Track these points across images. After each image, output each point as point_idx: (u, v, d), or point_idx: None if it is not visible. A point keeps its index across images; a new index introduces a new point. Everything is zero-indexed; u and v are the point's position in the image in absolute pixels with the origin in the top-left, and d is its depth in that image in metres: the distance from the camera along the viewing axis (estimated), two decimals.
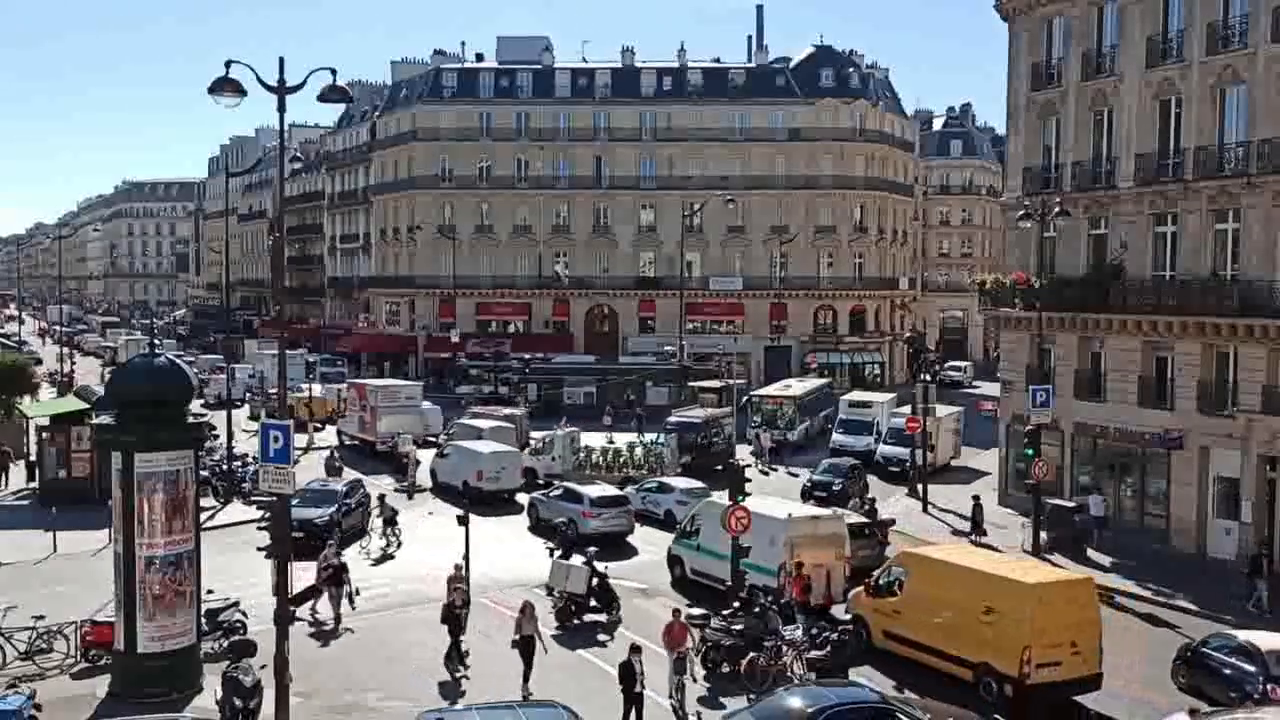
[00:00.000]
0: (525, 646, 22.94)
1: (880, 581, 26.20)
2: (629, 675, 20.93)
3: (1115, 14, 37.83)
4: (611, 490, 38.46)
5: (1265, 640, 22.97)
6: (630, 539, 36.34)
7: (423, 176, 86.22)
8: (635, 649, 21.35)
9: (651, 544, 35.62)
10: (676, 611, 23.51)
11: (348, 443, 54.47)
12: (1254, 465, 33.10)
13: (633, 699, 20.91)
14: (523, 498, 41.50)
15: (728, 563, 27.78)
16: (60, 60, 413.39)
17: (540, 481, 43.81)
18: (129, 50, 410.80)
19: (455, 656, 24.21)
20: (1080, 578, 25.39)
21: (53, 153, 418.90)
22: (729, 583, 27.66)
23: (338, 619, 27.33)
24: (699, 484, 40.04)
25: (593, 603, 27.76)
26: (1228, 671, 22.49)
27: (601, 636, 26.67)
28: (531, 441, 48.02)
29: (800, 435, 56.24)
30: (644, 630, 25.53)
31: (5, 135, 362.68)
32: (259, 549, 31.87)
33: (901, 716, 18.89)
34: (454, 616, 24.52)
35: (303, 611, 27.26)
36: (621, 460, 46.80)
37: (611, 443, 48.95)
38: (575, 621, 27.32)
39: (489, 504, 39.95)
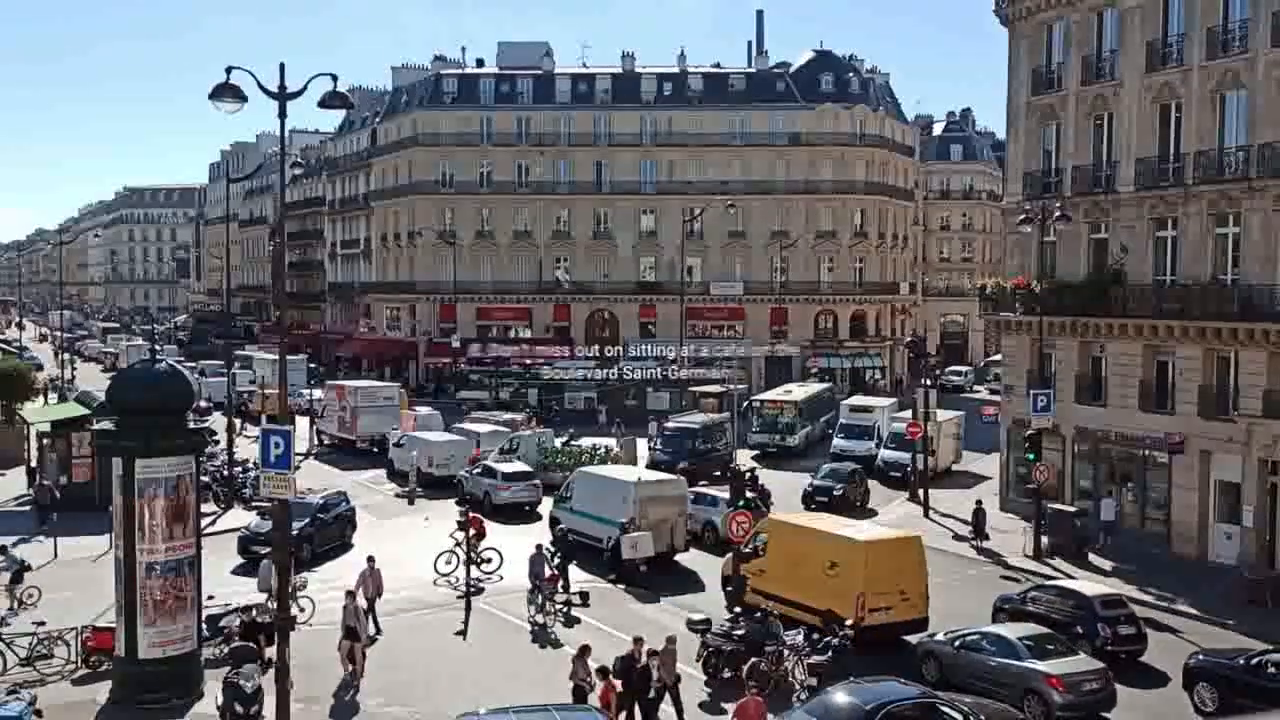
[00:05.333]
0: (672, 693, 21.30)
1: (747, 547, 28.90)
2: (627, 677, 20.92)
3: (1115, 19, 37.85)
4: (522, 467, 43.91)
5: (1089, 587, 27.06)
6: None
7: (423, 182, 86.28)
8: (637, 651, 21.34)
9: None
10: (671, 639, 22.26)
11: (327, 441, 57.06)
12: (1255, 469, 33.04)
13: (642, 705, 20.94)
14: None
15: (596, 522, 34.07)
16: (61, 66, 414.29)
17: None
18: (129, 56, 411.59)
19: None
20: (908, 535, 28.79)
21: (54, 158, 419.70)
22: (602, 541, 33.24)
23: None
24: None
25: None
26: (1055, 615, 25.72)
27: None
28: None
29: (801, 440, 56.21)
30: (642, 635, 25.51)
31: (6, 140, 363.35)
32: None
33: (947, 709, 19.33)
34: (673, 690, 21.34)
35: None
36: (584, 459, 47.15)
37: (570, 444, 49.84)
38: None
39: (440, 487, 44.66)
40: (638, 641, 21.72)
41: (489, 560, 32.30)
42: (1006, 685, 22.32)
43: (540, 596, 28.36)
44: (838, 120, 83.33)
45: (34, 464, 43.55)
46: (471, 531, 31.81)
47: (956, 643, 23.93)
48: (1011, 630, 23.92)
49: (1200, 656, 23.58)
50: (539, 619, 28.11)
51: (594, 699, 20.47)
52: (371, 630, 26.49)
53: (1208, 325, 34.05)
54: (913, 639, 25.80)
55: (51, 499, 36.88)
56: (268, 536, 31.51)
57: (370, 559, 27.98)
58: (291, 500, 35.20)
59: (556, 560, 30.66)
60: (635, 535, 31.78)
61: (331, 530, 35.72)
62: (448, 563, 32.20)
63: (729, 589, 28.91)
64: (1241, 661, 22.53)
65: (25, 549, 32.99)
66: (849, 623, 24.80)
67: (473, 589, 30.05)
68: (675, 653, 22.10)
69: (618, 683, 20.80)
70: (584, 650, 21.96)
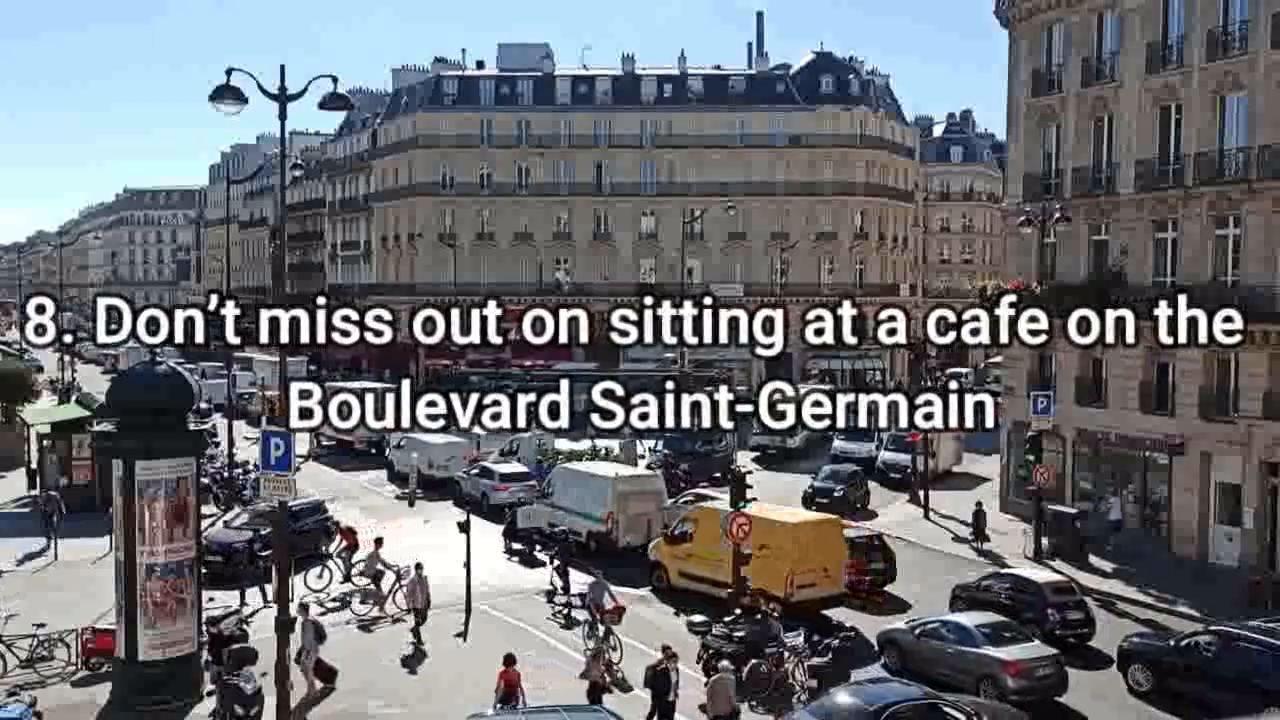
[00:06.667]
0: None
1: (675, 532, 31.60)
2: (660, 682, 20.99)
3: (1115, 20, 37.88)
4: (519, 468, 44.09)
5: (1039, 575, 28.97)
6: None
7: (423, 183, 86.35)
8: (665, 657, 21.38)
9: None
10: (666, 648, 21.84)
11: (325, 443, 56.26)
12: (1256, 471, 33.08)
13: (661, 707, 20.96)
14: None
15: (575, 516, 35.30)
16: (61, 68, 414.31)
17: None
18: (130, 58, 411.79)
19: None
20: (830, 518, 31.45)
21: (54, 160, 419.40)
22: (582, 535, 34.58)
23: None
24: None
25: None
26: (1008, 601, 27.08)
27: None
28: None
29: (801, 441, 56.18)
30: (645, 638, 25.54)
31: (6, 142, 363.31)
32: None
33: (949, 710, 19.44)
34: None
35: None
36: (584, 460, 47.13)
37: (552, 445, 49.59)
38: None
39: (438, 488, 45.17)
40: (665, 649, 21.67)
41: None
42: (964, 671, 23.08)
43: (603, 629, 25.06)
44: (838, 121, 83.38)
45: (34, 465, 43.55)
46: (344, 544, 31.63)
47: (917, 630, 24.81)
48: (970, 619, 24.83)
49: (1134, 639, 25.00)
50: (607, 658, 23.33)
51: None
52: (410, 646, 26.20)
53: None
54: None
55: (58, 510, 35.92)
56: (224, 546, 31.11)
57: (418, 566, 27.66)
58: (255, 511, 34.03)
59: (556, 562, 30.68)
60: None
61: (302, 542, 32.64)
62: (319, 577, 30.66)
63: (656, 573, 31.52)
64: (1172, 643, 23.79)
65: (32, 564, 33.09)
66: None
67: (341, 603, 29.22)
68: (729, 681, 21.10)
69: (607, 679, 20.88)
70: (599, 652, 22.17)
